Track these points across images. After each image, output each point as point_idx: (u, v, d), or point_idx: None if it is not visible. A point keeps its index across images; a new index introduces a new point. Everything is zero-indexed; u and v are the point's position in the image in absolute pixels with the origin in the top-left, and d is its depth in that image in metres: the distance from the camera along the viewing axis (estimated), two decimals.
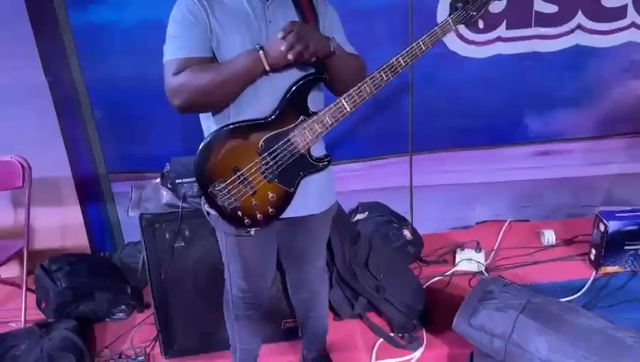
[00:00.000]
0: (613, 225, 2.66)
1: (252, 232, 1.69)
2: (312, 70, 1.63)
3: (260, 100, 1.60)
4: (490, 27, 3.00)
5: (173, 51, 1.59)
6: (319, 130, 1.61)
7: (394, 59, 1.61)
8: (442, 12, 2.86)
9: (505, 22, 2.98)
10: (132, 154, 3.00)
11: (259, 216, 1.65)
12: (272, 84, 1.59)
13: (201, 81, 1.54)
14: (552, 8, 2.98)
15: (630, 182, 3.35)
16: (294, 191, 1.66)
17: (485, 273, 2.80)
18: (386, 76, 1.60)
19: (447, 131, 3.15)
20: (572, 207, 3.41)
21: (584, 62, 3.08)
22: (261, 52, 1.52)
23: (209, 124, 1.67)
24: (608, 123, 3.24)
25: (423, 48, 1.62)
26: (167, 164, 2.34)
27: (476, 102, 3.09)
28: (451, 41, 2.99)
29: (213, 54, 1.59)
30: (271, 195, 1.64)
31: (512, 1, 2.92)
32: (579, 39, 3.03)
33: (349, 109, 1.60)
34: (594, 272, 2.76)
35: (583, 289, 2.60)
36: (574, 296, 2.55)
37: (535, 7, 2.98)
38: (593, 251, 2.81)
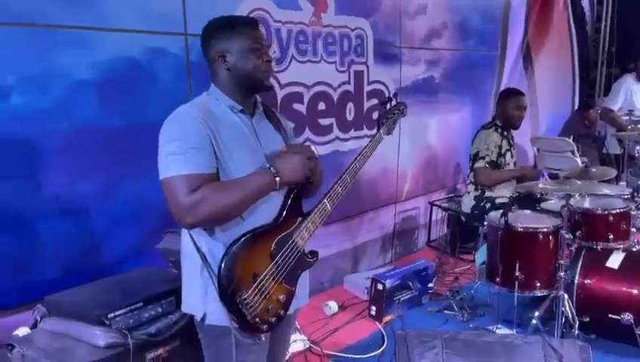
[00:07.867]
0: (389, 283, 3.50)
1: (263, 338, 1.73)
2: None
3: (273, 207, 1.77)
4: None
5: (180, 167, 1.61)
6: (312, 229, 1.84)
7: (353, 164, 1.96)
8: None
9: None
10: None
11: (273, 319, 1.73)
12: (280, 192, 1.78)
13: (225, 200, 1.63)
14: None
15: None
16: (295, 290, 1.81)
17: (314, 347, 3.20)
18: (350, 178, 1.95)
19: None
20: None
21: None
22: (277, 177, 1.70)
23: (207, 237, 1.71)
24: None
25: (369, 154, 2.02)
26: (37, 309, 2.00)
27: None
28: None
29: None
30: (281, 297, 1.75)
31: None
32: None
33: (329, 208, 1.88)
34: (379, 324, 3.50)
35: (386, 342, 3.29)
36: (384, 347, 3.23)
37: None
38: (373, 307, 3.57)
